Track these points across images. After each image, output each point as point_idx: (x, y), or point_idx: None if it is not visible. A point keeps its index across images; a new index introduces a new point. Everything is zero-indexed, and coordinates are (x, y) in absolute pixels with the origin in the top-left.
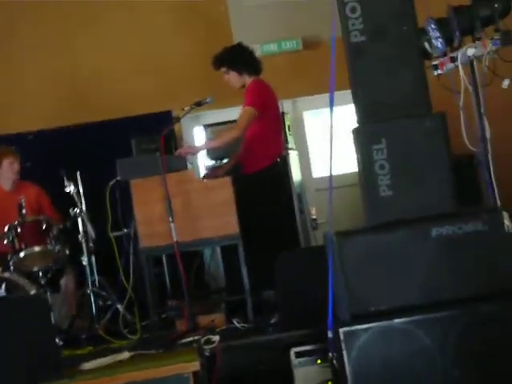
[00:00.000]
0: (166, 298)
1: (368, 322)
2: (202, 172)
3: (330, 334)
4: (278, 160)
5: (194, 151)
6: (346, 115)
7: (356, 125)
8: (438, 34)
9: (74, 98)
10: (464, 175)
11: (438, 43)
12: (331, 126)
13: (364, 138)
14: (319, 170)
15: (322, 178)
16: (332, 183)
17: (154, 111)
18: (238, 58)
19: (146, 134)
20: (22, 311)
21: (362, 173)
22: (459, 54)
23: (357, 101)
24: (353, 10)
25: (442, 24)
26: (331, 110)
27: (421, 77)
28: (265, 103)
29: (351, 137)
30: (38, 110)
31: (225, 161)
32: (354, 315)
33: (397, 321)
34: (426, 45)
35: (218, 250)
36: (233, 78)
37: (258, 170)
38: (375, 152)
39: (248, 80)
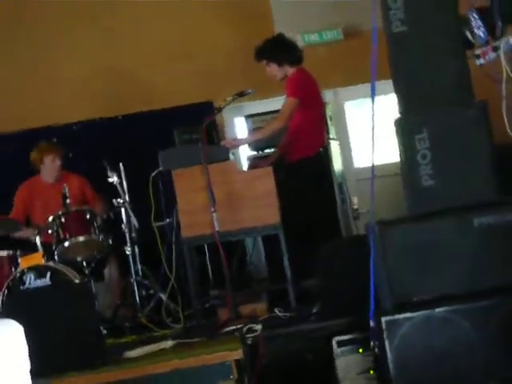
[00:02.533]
0: (208, 288)
1: (410, 311)
2: (244, 162)
3: (372, 323)
4: (321, 150)
5: (238, 144)
6: (388, 105)
7: (398, 115)
8: (480, 23)
9: (116, 88)
10: (506, 165)
11: (480, 32)
12: (373, 116)
13: (406, 128)
14: (360, 160)
15: (363, 168)
16: (374, 173)
17: (195, 102)
18: (278, 49)
19: (187, 124)
20: (66, 299)
21: (404, 162)
22: (502, 43)
23: (398, 91)
24: (394, 0)
25: (483, 13)
26: (373, 99)
27: (463, 66)
28: (307, 93)
29: (393, 127)
30: (81, 101)
31: (267, 151)
32: (396, 304)
33: (438, 310)
34: (468, 34)
35: (260, 239)
36: (274, 70)
37: (300, 159)
38: (417, 142)
39: (289, 70)
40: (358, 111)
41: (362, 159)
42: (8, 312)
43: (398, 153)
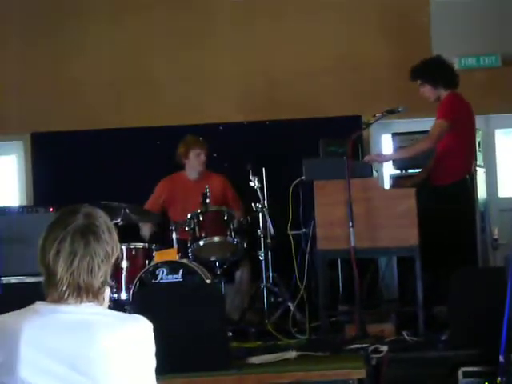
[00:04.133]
0: (337, 302)
1: None
2: (386, 180)
3: (501, 358)
4: (467, 177)
5: (382, 160)
6: None
7: None
8: None
9: (267, 93)
10: None
11: None
12: None
13: None
14: (506, 190)
15: (507, 199)
16: None
17: (343, 114)
18: (434, 71)
19: (333, 136)
20: (196, 298)
21: None
22: None
23: None
24: None
25: None
26: None
27: None
28: (458, 117)
29: None
30: (230, 103)
31: (410, 171)
32: None
33: None
34: None
35: (394, 260)
36: (427, 91)
37: (447, 184)
38: None
39: (443, 93)
40: (509, 140)
41: (508, 190)
42: (138, 303)
43: None
